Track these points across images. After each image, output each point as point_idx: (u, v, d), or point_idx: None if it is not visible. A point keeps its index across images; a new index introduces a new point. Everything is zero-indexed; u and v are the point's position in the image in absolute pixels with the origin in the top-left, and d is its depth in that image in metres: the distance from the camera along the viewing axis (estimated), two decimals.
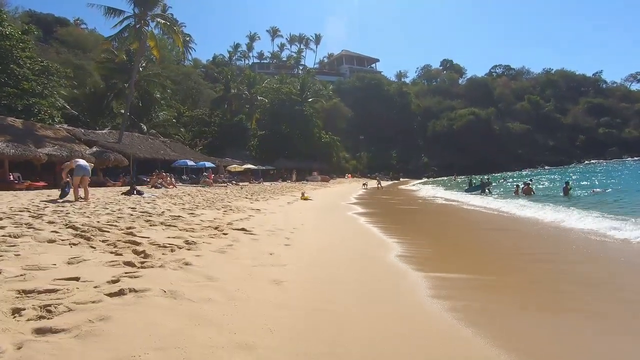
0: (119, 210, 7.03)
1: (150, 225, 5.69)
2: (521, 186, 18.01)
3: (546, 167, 65.87)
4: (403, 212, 12.19)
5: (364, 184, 34.47)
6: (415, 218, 10.54)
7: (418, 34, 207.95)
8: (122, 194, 11.34)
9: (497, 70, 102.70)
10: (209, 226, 6.08)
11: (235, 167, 31.87)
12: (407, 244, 5.72)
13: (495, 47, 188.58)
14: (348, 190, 26.04)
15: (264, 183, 29.83)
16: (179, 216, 6.92)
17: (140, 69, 37.48)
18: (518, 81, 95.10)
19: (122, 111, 38.17)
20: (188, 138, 42.83)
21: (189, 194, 13.22)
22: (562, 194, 16.38)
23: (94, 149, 20.12)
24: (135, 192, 11.32)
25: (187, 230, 5.53)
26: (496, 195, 19.78)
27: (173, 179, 19.40)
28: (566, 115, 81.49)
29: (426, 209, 13.06)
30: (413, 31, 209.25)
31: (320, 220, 8.93)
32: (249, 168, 34.21)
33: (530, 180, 28.78)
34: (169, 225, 5.79)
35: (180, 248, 4.37)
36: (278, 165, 44.03)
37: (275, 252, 4.66)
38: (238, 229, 6.08)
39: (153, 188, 15.73)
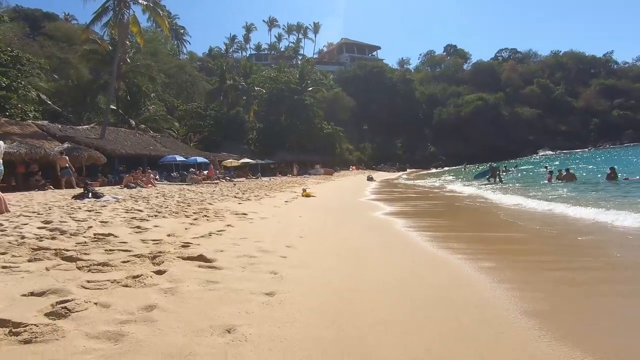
0: (16, 228, 4.55)
1: (33, 260, 3.21)
2: (563, 172, 15.46)
3: (559, 152, 62.91)
4: (448, 211, 9.55)
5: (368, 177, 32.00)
6: (475, 221, 8.01)
7: (419, 20, 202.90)
8: (73, 197, 8.90)
9: (503, 54, 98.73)
10: (141, 255, 3.59)
11: (231, 162, 29.39)
12: (508, 277, 3.19)
13: (500, 31, 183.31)
14: (357, 184, 23.54)
15: (262, 178, 27.36)
16: (108, 234, 4.44)
17: (128, 59, 35.06)
18: (525, 65, 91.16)
19: (111, 106, 35.92)
20: (182, 132, 40.34)
21: (163, 195, 10.76)
22: (606, 180, 13.98)
23: (65, 145, 17.67)
24: (90, 194, 8.88)
25: (89, 270, 3.05)
26: (509, 183, 17.24)
27: (154, 177, 16.97)
28: (578, 99, 77.97)
29: (474, 208, 10.52)
30: (414, 17, 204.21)
31: (331, 228, 6.42)
32: (247, 162, 31.74)
33: (546, 166, 26.45)
34: (66, 260, 3.31)
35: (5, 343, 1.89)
36: (278, 158, 41.55)
37: (241, 327, 2.17)
38: (192, 258, 3.59)
39: (125, 188, 13.30)
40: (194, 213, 7.10)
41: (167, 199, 9.77)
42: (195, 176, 17.90)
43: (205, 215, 6.83)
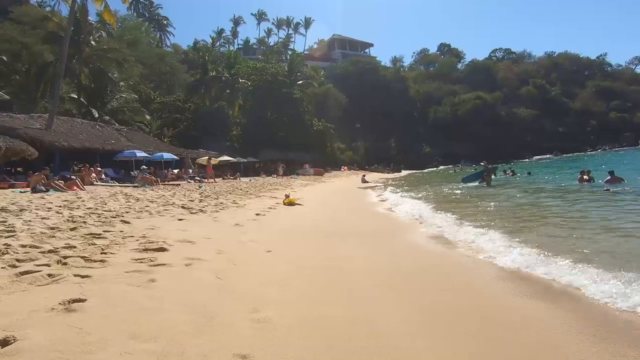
0: None
1: None
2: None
3: (559, 154, 60.65)
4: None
5: (364, 176, 28.70)
6: None
7: (412, 18, 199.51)
8: None
9: (497, 54, 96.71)
10: None
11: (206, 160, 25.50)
12: None
13: (493, 30, 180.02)
14: (354, 186, 20.10)
15: (241, 179, 23.63)
16: None
17: (93, 42, 30.95)
18: (521, 65, 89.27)
19: (72, 95, 31.82)
20: (156, 127, 36.30)
21: (66, 207, 7.06)
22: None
23: None
24: None
25: None
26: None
27: (99, 176, 13.24)
28: (574, 100, 76.08)
29: None
30: (407, 15, 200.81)
31: (340, 299, 2.87)
32: (227, 160, 27.99)
33: (526, 172, 23.00)
34: None
35: None
36: (264, 157, 37.81)
37: None
38: None
39: (31, 192, 9.53)
40: (49, 252, 3.50)
41: (63, 210, 6.11)
42: (147, 175, 14.11)
43: (61, 262, 3.24)
